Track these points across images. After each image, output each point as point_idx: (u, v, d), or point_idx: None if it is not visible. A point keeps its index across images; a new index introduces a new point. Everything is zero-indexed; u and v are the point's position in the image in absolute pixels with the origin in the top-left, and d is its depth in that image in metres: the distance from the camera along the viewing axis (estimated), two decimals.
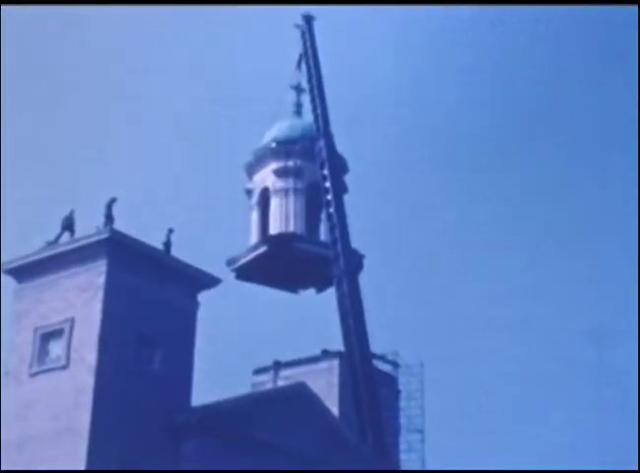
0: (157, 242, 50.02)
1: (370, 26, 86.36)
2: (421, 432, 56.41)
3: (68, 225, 49.54)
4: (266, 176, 57.91)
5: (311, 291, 57.96)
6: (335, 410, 54.65)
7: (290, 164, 56.83)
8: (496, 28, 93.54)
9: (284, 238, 54.87)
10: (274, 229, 56.06)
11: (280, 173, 56.97)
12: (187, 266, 50.59)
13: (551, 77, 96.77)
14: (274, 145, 57.35)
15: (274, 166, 57.40)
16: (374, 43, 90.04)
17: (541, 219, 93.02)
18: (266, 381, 58.81)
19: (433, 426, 57.83)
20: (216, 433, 47.82)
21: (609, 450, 72.32)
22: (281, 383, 57.46)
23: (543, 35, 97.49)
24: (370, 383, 46.04)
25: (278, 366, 59.17)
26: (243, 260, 56.00)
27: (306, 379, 54.56)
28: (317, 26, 58.24)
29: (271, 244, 54.69)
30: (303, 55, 57.12)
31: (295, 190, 56.71)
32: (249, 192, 58.83)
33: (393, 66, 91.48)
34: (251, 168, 58.60)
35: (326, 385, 55.88)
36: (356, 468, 48.11)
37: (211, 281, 51.66)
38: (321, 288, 56.38)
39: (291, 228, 55.58)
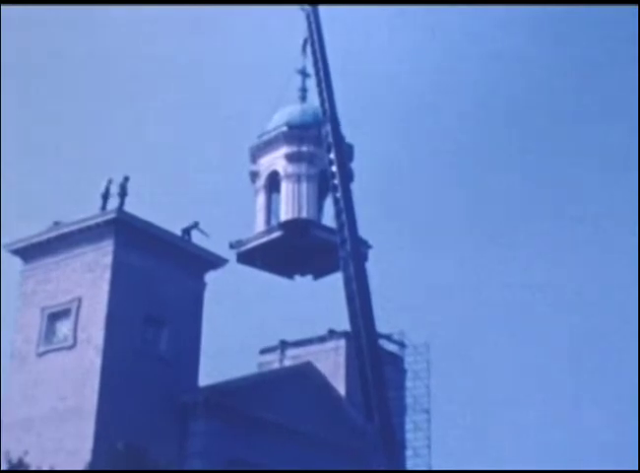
0: (173, 227, 50.38)
1: (379, 24, 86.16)
2: (428, 411, 56.36)
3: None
4: (275, 160, 57.15)
5: (308, 277, 57.46)
6: (341, 389, 54.81)
7: (304, 149, 56.07)
8: (496, 28, 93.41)
9: (300, 225, 54.47)
10: (286, 214, 55.34)
11: (292, 158, 56.27)
12: (194, 247, 50.69)
13: (551, 77, 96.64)
14: (285, 129, 56.81)
15: (286, 150, 56.56)
16: (382, 41, 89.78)
17: (545, 215, 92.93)
18: (272, 361, 58.81)
19: (439, 405, 57.97)
20: (222, 412, 47.97)
21: (609, 450, 72.32)
22: (287, 363, 57.49)
23: (543, 35, 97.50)
24: (376, 363, 45.82)
25: (284, 345, 59.16)
26: (254, 243, 55.47)
27: (313, 359, 54.71)
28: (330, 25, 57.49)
29: (287, 230, 54.27)
30: (309, 38, 56.43)
31: (308, 176, 56.24)
32: (254, 175, 58.32)
33: (398, 62, 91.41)
34: (258, 151, 57.79)
35: (332, 365, 55.93)
36: (362, 448, 48.20)
37: (217, 261, 51.76)
38: (318, 275, 56.00)
39: (304, 214, 54.98)
